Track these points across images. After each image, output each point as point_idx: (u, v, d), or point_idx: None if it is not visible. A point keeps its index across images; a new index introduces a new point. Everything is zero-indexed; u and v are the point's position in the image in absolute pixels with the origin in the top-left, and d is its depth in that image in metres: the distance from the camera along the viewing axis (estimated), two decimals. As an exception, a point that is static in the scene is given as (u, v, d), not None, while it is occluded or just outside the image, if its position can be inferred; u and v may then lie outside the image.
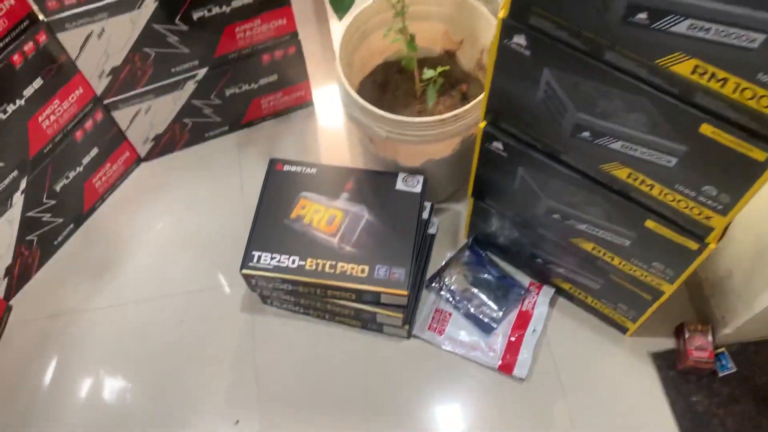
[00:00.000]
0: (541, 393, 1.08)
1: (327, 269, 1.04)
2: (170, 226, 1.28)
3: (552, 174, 0.88)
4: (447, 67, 1.07)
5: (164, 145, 1.32)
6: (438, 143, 1.05)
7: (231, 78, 1.23)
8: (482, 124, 0.90)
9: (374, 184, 1.12)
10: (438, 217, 1.25)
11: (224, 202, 1.29)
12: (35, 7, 0.96)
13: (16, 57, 0.97)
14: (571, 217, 0.93)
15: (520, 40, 0.74)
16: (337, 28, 1.09)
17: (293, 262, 1.05)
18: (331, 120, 1.40)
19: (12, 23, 0.94)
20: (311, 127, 1.39)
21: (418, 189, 1.10)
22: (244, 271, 1.05)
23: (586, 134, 0.78)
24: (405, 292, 1.01)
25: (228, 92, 1.26)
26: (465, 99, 1.16)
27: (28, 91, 1.01)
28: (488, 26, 1.08)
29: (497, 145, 0.91)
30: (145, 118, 1.23)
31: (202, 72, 1.19)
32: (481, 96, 0.90)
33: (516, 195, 0.98)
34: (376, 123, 1.02)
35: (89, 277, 1.23)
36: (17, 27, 0.95)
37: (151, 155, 1.33)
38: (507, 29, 0.74)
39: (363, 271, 1.03)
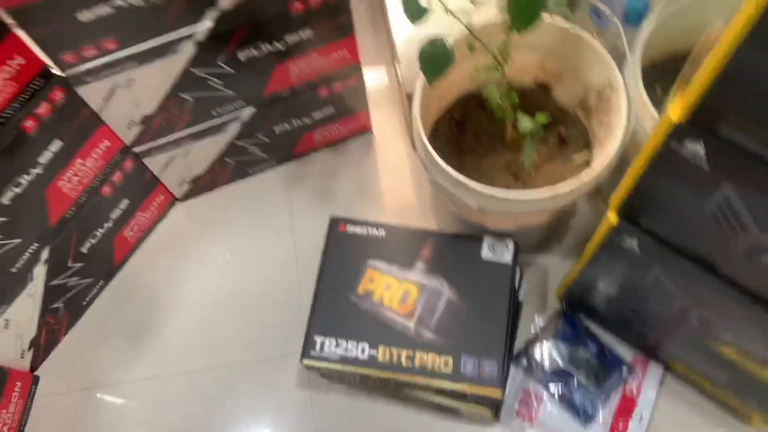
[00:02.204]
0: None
1: (403, 361, 0.88)
2: (213, 279, 1.12)
3: (702, 283, 0.69)
4: (547, 119, 0.87)
5: (203, 185, 1.14)
6: (537, 213, 0.87)
7: (282, 115, 1.04)
8: (612, 218, 0.71)
9: (454, 252, 0.94)
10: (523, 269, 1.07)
11: (273, 250, 1.12)
12: (49, 62, 0.78)
13: (29, 123, 0.79)
14: (715, 325, 0.75)
15: (696, 148, 0.54)
16: (401, 42, 0.91)
17: (362, 351, 0.89)
18: (393, 150, 1.20)
19: (22, 84, 0.76)
20: (370, 159, 1.20)
21: (508, 258, 0.93)
22: (306, 362, 0.89)
23: (768, 260, 0.59)
24: (498, 392, 0.85)
25: (278, 129, 1.07)
26: (563, 143, 0.97)
27: (44, 158, 0.84)
28: (599, 63, 0.87)
29: (630, 244, 0.72)
30: (182, 161, 1.05)
31: (248, 111, 1.00)
32: (597, 165, 0.71)
33: (641, 288, 0.80)
34: (467, 194, 0.83)
35: (123, 341, 1.08)
36: (28, 88, 0.77)
37: (188, 196, 1.16)
38: (680, 134, 0.54)
39: (446, 364, 0.87)
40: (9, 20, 0.70)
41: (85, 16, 0.73)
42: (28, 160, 0.83)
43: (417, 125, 0.85)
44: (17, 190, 0.82)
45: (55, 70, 0.79)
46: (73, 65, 0.79)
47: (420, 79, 0.85)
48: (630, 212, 0.69)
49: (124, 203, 1.04)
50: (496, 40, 0.79)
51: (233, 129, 1.02)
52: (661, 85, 0.94)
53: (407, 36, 1.02)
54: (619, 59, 0.86)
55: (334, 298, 0.92)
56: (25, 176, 0.83)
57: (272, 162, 1.16)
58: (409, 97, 1.01)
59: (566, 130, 0.97)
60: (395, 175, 1.18)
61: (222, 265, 1.13)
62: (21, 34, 0.73)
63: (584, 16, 0.94)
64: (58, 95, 0.81)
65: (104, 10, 0.73)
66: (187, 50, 0.83)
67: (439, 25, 0.74)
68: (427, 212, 1.13)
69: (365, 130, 1.18)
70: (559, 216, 0.92)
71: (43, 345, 1.04)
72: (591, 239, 0.78)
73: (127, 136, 0.95)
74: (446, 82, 0.96)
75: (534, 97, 0.99)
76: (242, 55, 0.88)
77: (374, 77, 1.22)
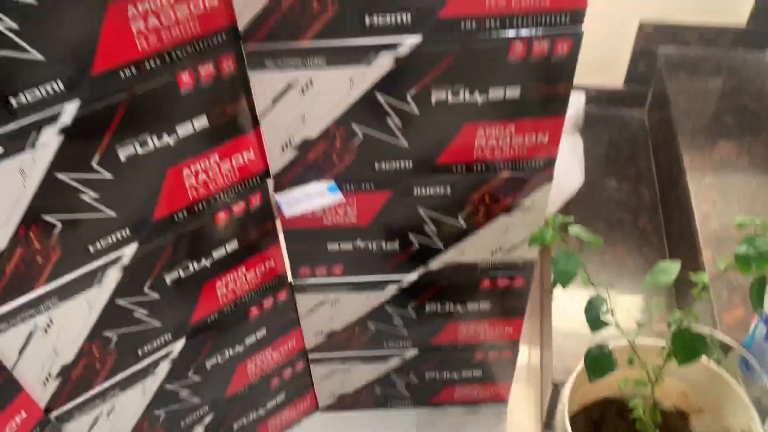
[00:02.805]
0: None
1: None
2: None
3: None
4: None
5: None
6: None
7: (434, 366, 1.18)
8: None
9: None
10: None
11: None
12: (288, 270, 1.00)
13: (254, 310, 0.99)
14: None
15: None
16: (560, 335, 1.01)
17: None
18: (522, 424, 1.27)
19: (265, 280, 0.98)
20: (499, 428, 1.27)
21: None
22: None
23: None
24: None
25: (427, 376, 1.20)
26: (694, 475, 1.00)
27: (250, 339, 1.02)
28: (741, 410, 0.94)
29: None
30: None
31: (400, 360, 1.15)
32: None
33: None
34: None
35: None
36: (266, 284, 0.98)
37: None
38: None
39: None
40: (281, 237, 0.94)
41: (333, 246, 0.95)
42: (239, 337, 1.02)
43: (563, 412, 0.94)
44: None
45: (289, 277, 1.01)
46: (303, 278, 1.00)
47: (576, 373, 0.96)
48: None
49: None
50: (652, 361, 0.90)
51: (395, 362, 1.17)
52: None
53: (566, 331, 1.15)
54: (763, 413, 0.92)
55: None
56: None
57: (407, 402, 1.27)
58: (555, 384, 1.12)
59: (699, 463, 1.01)
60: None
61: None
62: (282, 246, 0.96)
63: (734, 362, 1.03)
64: (283, 294, 1.01)
65: (346, 246, 0.95)
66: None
67: (603, 332, 0.87)
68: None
69: (501, 399, 1.28)
70: None
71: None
72: None
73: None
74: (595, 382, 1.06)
75: (672, 421, 1.05)
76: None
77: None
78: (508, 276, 1.02)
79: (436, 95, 0.79)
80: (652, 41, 1.54)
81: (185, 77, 0.72)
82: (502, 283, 1.03)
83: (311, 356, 1.15)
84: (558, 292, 1.25)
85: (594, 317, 0.81)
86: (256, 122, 0.81)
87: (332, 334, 1.11)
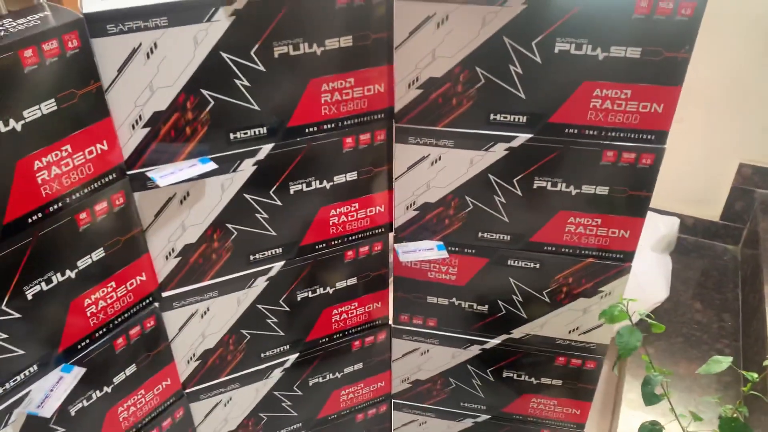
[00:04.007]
0: None
1: None
2: None
3: None
4: None
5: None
6: None
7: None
8: None
9: None
10: None
11: None
12: (390, 316, 1.18)
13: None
14: None
15: None
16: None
17: None
18: None
19: (362, 321, 1.17)
20: None
21: None
22: None
23: None
24: None
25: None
26: None
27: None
28: None
29: None
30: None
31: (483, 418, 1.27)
32: None
33: None
34: None
35: None
36: (367, 325, 1.17)
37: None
38: None
39: None
40: (390, 284, 1.14)
41: (432, 299, 1.13)
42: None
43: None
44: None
45: (390, 320, 1.19)
46: (402, 323, 1.18)
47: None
48: None
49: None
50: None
51: (467, 423, 1.29)
52: None
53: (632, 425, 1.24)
54: None
55: None
56: None
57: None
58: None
59: None
60: None
61: None
62: (390, 292, 1.16)
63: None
64: (383, 335, 1.19)
65: (443, 301, 1.13)
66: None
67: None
68: None
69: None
70: None
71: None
72: None
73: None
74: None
75: None
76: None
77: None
78: (581, 357, 1.15)
79: (538, 183, 0.98)
80: (751, 182, 1.67)
81: (349, 140, 0.96)
82: (574, 363, 1.15)
83: (395, 401, 1.30)
84: (632, 395, 1.34)
85: (649, 392, 0.92)
86: (390, 183, 1.03)
87: (417, 382, 1.26)
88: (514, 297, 1.10)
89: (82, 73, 0.76)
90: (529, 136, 0.94)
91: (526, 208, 1.01)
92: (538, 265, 1.06)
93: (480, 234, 1.05)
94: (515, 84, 0.90)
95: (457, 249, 1.07)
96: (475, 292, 1.11)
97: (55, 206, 0.79)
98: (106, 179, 0.83)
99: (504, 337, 1.15)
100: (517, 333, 1.14)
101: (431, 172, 1.00)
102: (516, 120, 0.93)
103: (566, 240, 1.03)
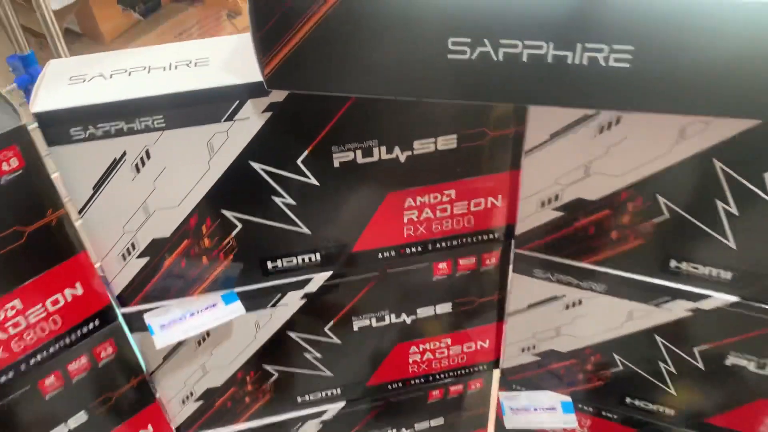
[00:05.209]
0: None
1: None
2: None
3: None
4: None
5: None
6: None
7: None
8: None
9: None
10: None
11: None
12: None
13: None
14: None
15: None
16: None
17: None
18: None
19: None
20: None
21: None
22: None
23: None
24: None
25: None
26: None
27: None
28: None
29: None
30: None
31: None
32: None
33: None
34: None
35: None
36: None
37: None
38: None
39: None
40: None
41: None
42: None
43: None
44: None
45: None
46: None
47: None
48: None
49: None
50: None
51: None
52: None
53: None
54: None
55: None
56: None
57: None
58: None
59: None
60: None
61: None
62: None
63: None
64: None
65: None
66: None
67: None
68: None
69: None
70: None
71: None
72: None
73: None
74: None
75: None
76: None
77: None
78: None
79: (734, 359, 0.62)
80: None
81: (443, 266, 0.65)
82: None
83: None
84: None
85: None
86: (501, 315, 0.72)
87: None
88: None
89: (32, 202, 0.50)
90: (735, 299, 0.58)
91: (710, 387, 0.66)
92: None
93: (629, 400, 0.71)
94: (722, 227, 0.54)
95: (591, 410, 0.75)
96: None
97: (6, 376, 0.55)
98: (83, 330, 0.58)
99: None
100: None
101: (565, 316, 0.67)
102: (715, 275, 0.57)
103: None
